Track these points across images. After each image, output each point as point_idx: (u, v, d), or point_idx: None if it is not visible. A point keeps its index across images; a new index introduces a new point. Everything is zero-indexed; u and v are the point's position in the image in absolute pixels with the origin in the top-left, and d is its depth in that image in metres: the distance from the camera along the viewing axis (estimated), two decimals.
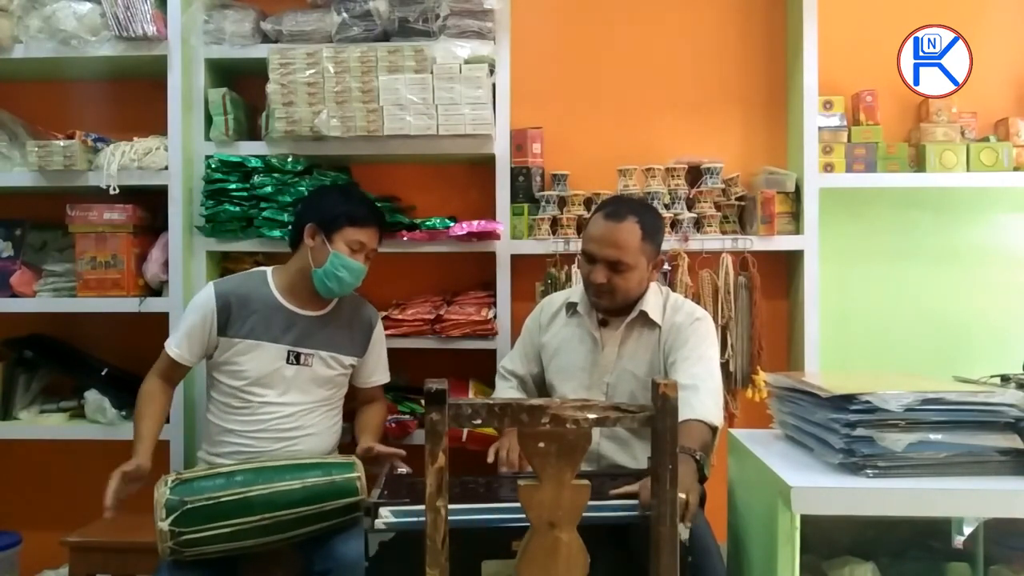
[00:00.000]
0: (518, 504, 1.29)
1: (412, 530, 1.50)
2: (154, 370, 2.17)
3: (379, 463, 2.10)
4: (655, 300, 2.11)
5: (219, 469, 1.96)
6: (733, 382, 2.57)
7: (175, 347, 2.14)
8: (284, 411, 2.13)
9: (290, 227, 2.29)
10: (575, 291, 2.24)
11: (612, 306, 2.09)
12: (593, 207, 2.62)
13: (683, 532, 1.52)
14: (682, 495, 1.45)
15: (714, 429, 1.89)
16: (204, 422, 2.25)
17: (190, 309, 2.16)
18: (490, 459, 2.04)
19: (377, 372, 2.34)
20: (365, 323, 2.28)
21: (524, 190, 2.64)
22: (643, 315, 2.08)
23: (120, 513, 2.33)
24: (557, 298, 2.28)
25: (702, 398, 1.91)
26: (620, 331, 2.10)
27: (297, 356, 2.14)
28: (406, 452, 2.14)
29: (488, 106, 2.49)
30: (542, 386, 2.24)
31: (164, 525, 1.78)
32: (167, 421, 2.37)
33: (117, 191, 2.48)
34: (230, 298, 2.12)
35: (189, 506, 1.80)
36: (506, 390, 2.23)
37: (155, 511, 1.79)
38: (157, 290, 2.60)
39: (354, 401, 2.36)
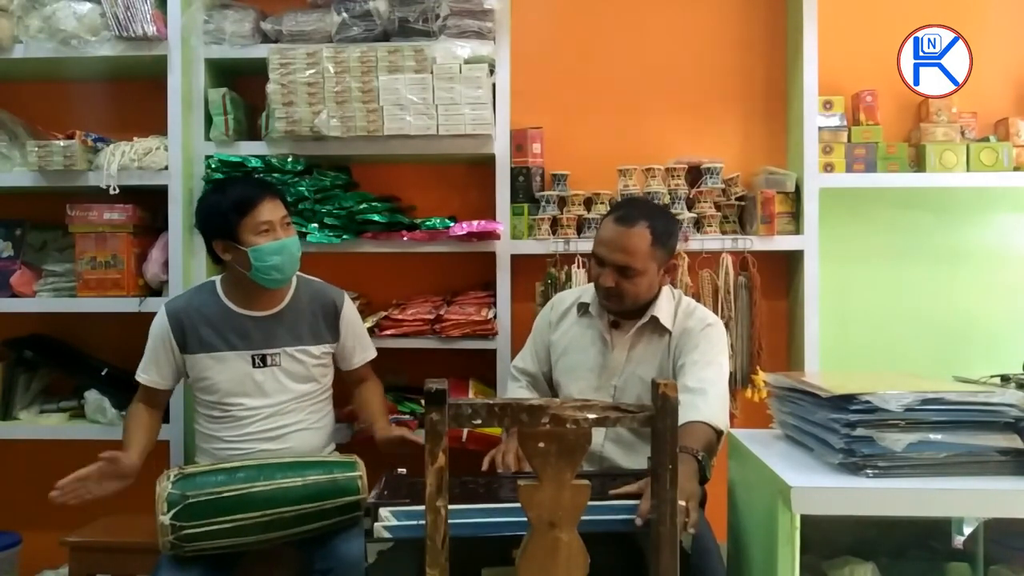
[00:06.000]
0: (518, 505, 1.29)
1: (411, 538, 1.50)
2: (135, 399, 2.16)
3: (405, 446, 2.07)
4: (667, 305, 2.08)
5: (221, 465, 1.95)
6: (733, 382, 2.56)
7: (143, 374, 2.13)
8: (265, 412, 2.09)
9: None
10: (587, 290, 2.21)
11: (621, 309, 2.07)
12: (592, 206, 2.63)
13: (685, 541, 1.50)
14: (682, 502, 1.43)
15: (719, 434, 1.89)
16: (195, 431, 2.24)
17: (149, 334, 2.14)
18: (484, 467, 2.01)
19: (359, 351, 2.26)
20: (329, 308, 2.19)
21: (524, 190, 2.64)
22: (654, 320, 2.06)
23: (120, 513, 2.34)
24: (568, 296, 2.25)
25: (710, 402, 1.89)
26: (631, 335, 2.08)
27: (263, 358, 2.09)
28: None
29: (488, 106, 2.49)
30: (553, 384, 2.22)
31: (165, 519, 1.78)
32: (166, 421, 2.37)
33: (117, 191, 2.49)
34: (181, 316, 2.09)
35: (191, 501, 1.80)
36: (515, 391, 2.20)
37: (156, 505, 1.80)
38: (157, 290, 2.60)
39: (349, 400, 2.34)
